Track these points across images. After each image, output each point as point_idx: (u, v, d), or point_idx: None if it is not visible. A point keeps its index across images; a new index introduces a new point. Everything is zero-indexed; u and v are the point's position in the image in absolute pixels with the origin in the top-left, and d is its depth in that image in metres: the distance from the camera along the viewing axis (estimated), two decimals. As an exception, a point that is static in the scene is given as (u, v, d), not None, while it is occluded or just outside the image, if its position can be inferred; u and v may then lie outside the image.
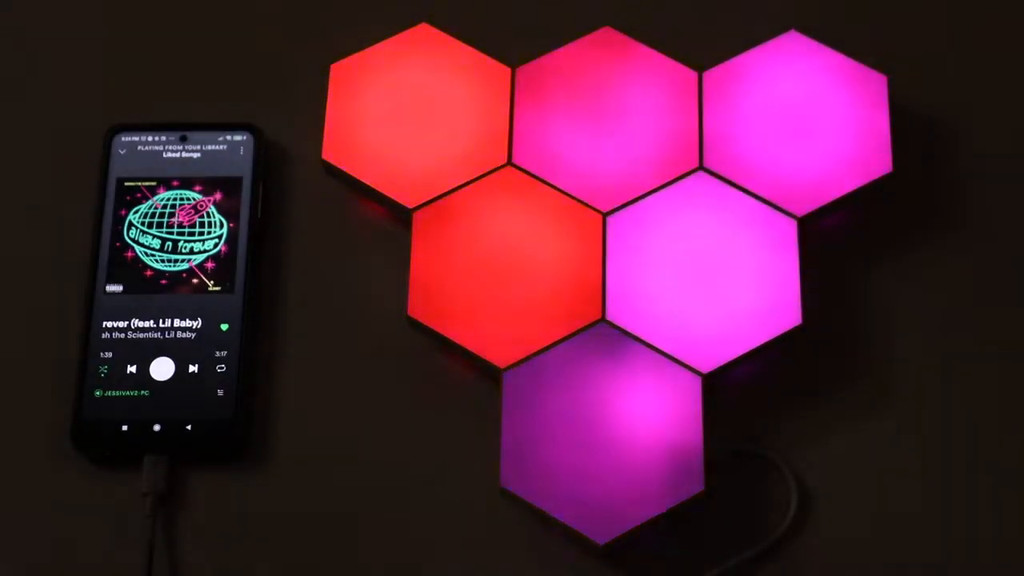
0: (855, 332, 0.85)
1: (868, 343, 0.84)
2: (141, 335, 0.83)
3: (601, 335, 0.82)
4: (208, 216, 0.86)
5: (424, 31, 0.90)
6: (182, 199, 0.86)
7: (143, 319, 0.84)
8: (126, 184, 0.86)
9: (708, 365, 0.82)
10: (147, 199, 0.86)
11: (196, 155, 0.87)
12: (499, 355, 0.82)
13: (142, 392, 0.82)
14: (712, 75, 0.88)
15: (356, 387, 0.84)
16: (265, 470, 0.82)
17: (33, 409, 0.83)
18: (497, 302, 0.83)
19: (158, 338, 0.83)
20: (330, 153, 0.87)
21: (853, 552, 0.80)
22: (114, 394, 0.82)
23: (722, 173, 0.86)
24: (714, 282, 0.83)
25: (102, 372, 0.82)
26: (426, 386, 0.84)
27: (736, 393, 0.83)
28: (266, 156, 0.88)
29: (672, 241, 0.84)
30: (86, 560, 0.80)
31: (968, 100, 0.90)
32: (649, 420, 0.80)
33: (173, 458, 0.81)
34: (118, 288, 0.84)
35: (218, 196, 0.86)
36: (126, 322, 0.83)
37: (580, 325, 0.83)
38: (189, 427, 0.81)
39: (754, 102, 0.87)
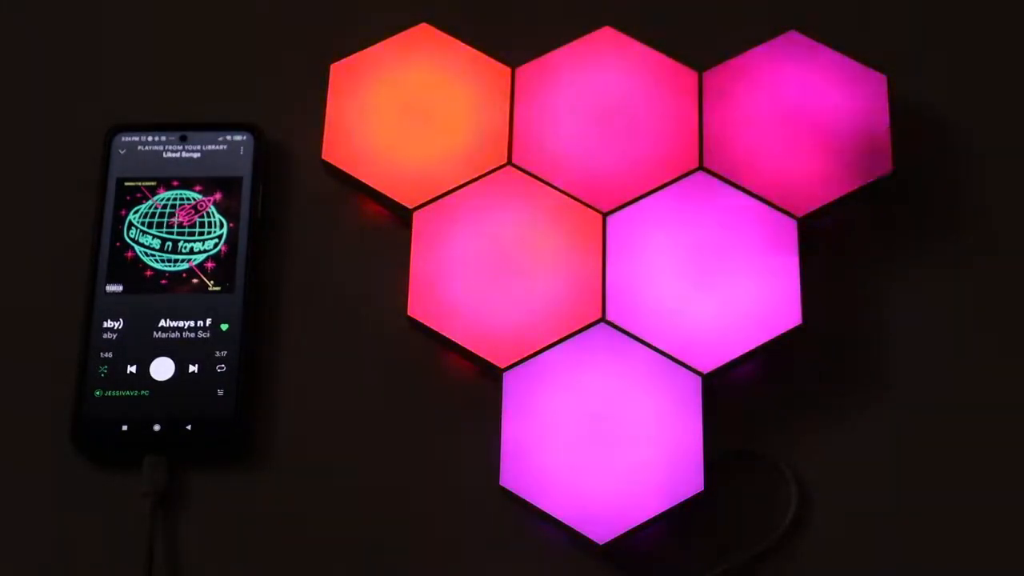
0: (855, 332, 0.85)
1: (867, 343, 0.84)
2: (141, 335, 0.83)
3: (601, 335, 0.82)
4: (208, 216, 0.86)
5: (424, 31, 0.90)
6: (182, 199, 0.86)
7: (143, 319, 0.84)
8: (126, 184, 0.86)
9: (708, 365, 0.82)
10: (147, 199, 0.86)
11: (196, 155, 0.87)
12: (499, 355, 0.82)
13: (142, 392, 0.82)
14: (712, 75, 0.88)
15: (356, 387, 0.84)
16: (265, 470, 0.82)
17: (33, 409, 0.83)
18: (497, 302, 0.83)
19: (158, 338, 0.83)
20: (330, 153, 0.87)
21: (853, 552, 0.80)
22: (114, 394, 0.82)
23: (722, 173, 0.86)
24: (714, 282, 0.83)
25: (102, 372, 0.82)
26: (426, 386, 0.84)
27: (736, 393, 0.83)
28: (266, 156, 0.88)
29: (672, 241, 0.84)
30: (86, 560, 0.80)
31: (968, 100, 0.90)
32: (649, 420, 0.80)
33: (173, 458, 0.81)
34: (118, 288, 0.84)
35: (218, 196, 0.86)
36: (126, 322, 0.83)
37: (580, 325, 0.83)
38: (189, 427, 0.81)
39: (754, 102, 0.87)
